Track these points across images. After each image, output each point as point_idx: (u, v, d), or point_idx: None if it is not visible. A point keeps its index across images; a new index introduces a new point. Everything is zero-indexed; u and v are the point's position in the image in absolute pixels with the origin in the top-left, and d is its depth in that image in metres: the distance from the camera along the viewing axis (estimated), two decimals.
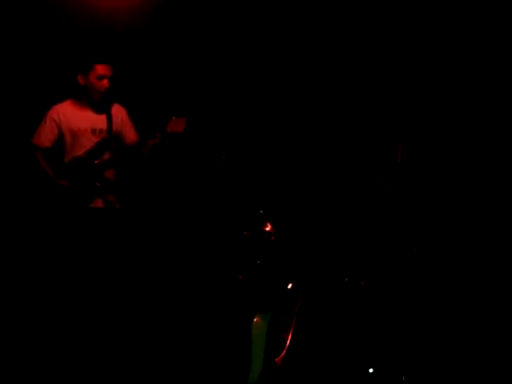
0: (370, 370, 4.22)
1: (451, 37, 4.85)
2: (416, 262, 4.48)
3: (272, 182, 4.84)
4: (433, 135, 4.83)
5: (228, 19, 5.16)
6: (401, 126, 4.87)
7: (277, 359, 4.00)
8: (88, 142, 4.55)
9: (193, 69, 5.25)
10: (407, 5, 4.93)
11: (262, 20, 5.15)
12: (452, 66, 4.86)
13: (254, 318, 4.13)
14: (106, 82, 4.45)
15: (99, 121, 4.55)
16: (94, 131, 4.55)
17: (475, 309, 4.40)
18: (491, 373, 4.04)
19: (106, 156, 4.59)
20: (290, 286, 4.45)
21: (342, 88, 5.13)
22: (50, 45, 5.04)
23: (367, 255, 4.51)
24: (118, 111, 4.64)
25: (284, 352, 4.01)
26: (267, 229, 4.47)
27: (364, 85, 5.07)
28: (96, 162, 4.58)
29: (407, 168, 4.66)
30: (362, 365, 4.22)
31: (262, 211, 4.48)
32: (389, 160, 4.68)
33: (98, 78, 4.43)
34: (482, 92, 4.77)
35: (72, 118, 4.53)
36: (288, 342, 4.03)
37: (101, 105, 4.54)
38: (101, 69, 4.44)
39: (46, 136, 4.54)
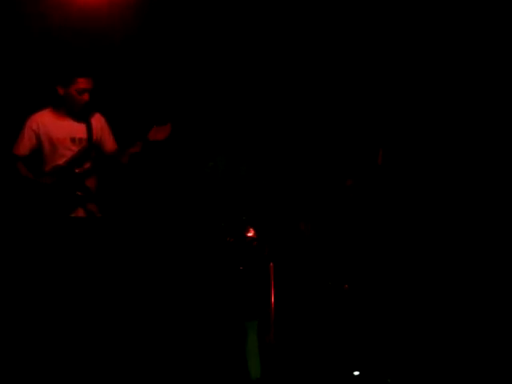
0: (356, 373, 4.24)
1: (430, 45, 4.91)
2: (398, 265, 4.52)
3: (254, 188, 4.84)
4: (413, 139, 4.88)
5: (210, 27, 5.18)
6: (382, 130, 4.91)
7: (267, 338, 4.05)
8: (67, 151, 4.53)
9: (176, 76, 5.26)
10: (386, 17, 4.99)
11: (244, 30, 5.18)
12: (432, 71, 4.91)
13: (242, 324, 4.15)
14: (86, 96, 4.45)
15: (79, 130, 4.53)
16: (73, 140, 4.53)
17: (458, 311, 4.44)
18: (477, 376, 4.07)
19: (87, 165, 4.57)
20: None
21: (323, 94, 5.16)
22: (30, 54, 5.02)
23: (350, 258, 4.54)
24: (98, 120, 4.63)
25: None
26: (250, 234, 4.48)
27: (346, 90, 5.11)
28: (77, 170, 4.55)
29: (388, 171, 4.71)
30: (347, 367, 4.24)
31: (244, 217, 4.49)
32: (370, 163, 4.72)
33: (79, 91, 4.43)
34: (462, 96, 4.83)
35: (51, 127, 4.51)
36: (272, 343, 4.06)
37: (80, 114, 4.52)
38: (82, 83, 4.43)
39: (24, 145, 4.51)
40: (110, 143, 4.68)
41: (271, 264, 4.20)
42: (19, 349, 4.31)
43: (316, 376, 4.22)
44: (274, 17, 5.15)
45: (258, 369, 4.13)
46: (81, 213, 4.56)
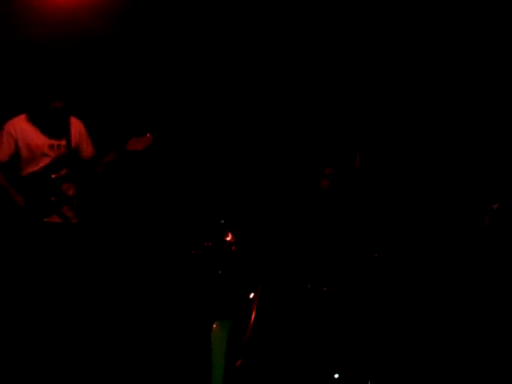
0: (336, 376, 4.22)
1: (405, 54, 4.98)
2: (376, 267, 4.53)
3: (232, 192, 4.85)
4: (390, 141, 4.93)
5: (187, 35, 5.21)
6: (359, 133, 4.95)
7: (236, 364, 3.99)
8: (45, 157, 4.51)
9: (158, 87, 5.28)
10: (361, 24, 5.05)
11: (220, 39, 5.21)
12: (409, 75, 4.97)
13: (213, 324, 4.11)
14: (60, 116, 4.46)
15: (57, 136, 4.52)
16: (51, 146, 4.52)
17: (437, 313, 4.45)
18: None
19: (63, 171, 4.55)
20: (251, 295, 4.45)
21: (301, 98, 5.19)
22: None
23: (328, 261, 4.54)
24: (77, 126, 4.62)
25: (242, 358, 4.01)
26: (228, 238, 4.47)
27: (324, 95, 5.15)
28: (52, 176, 4.52)
29: (365, 174, 4.74)
30: (327, 370, 4.22)
31: (222, 221, 4.49)
32: (347, 166, 4.75)
33: (54, 111, 4.44)
34: (439, 99, 4.89)
35: (29, 132, 4.49)
36: (246, 344, 4.03)
37: (59, 120, 4.50)
38: (55, 104, 4.44)
39: (3, 151, 4.47)
40: (87, 150, 4.67)
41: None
42: None
43: (294, 379, 4.19)
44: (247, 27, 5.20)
45: (221, 373, 4.08)
46: (56, 218, 4.53)
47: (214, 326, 4.13)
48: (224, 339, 4.09)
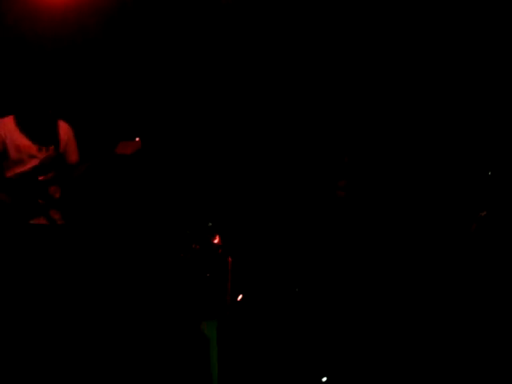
0: (324, 379, 4.20)
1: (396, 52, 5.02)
2: (367, 268, 4.54)
3: (220, 195, 4.85)
4: (378, 147, 4.96)
5: (175, 40, 5.24)
6: (347, 139, 4.98)
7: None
8: (33, 159, 4.49)
9: (146, 90, 5.30)
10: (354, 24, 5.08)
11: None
12: (396, 79, 5.01)
13: (199, 325, 4.10)
14: (47, 119, 4.47)
15: (46, 138, 4.51)
16: (40, 149, 4.51)
17: (424, 311, 4.45)
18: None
19: (51, 173, 4.54)
20: (239, 297, 4.43)
21: (290, 104, 5.22)
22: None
23: (317, 264, 4.54)
24: (65, 130, 4.62)
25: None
26: (215, 241, 4.46)
27: (312, 100, 5.18)
28: (40, 178, 4.51)
29: (354, 175, 4.76)
30: (315, 373, 4.20)
31: (210, 224, 4.48)
32: (337, 170, 4.77)
33: (42, 113, 4.46)
34: (426, 99, 4.93)
35: (18, 134, 4.48)
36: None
37: (48, 123, 4.51)
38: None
39: None
40: (73, 155, 4.67)
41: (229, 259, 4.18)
42: None
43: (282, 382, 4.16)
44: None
45: (216, 372, 4.06)
46: (42, 220, 4.50)
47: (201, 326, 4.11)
48: (214, 339, 4.08)
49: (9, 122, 4.51)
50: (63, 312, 4.47)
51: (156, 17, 5.18)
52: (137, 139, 4.56)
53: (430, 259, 4.64)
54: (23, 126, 4.49)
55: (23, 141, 4.47)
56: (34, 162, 4.48)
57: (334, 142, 4.96)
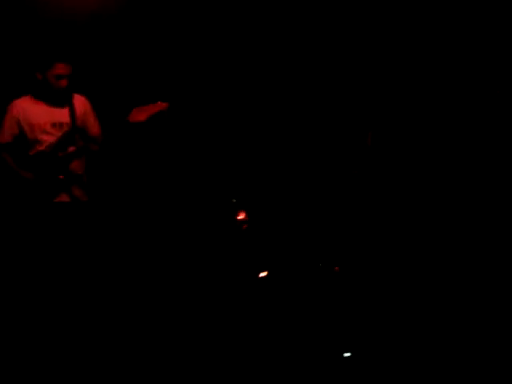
0: (346, 355, 4.26)
1: (420, 31, 4.93)
2: (388, 247, 4.56)
3: (245, 171, 4.82)
4: (402, 122, 4.91)
5: (197, 10, 5.11)
6: (371, 113, 4.93)
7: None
8: (49, 136, 4.45)
9: (162, 58, 5.19)
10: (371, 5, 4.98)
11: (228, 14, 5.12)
12: (421, 57, 4.93)
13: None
14: (64, 82, 4.36)
15: (60, 114, 4.46)
16: (53, 125, 4.45)
17: (446, 296, 4.49)
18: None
19: (71, 149, 4.48)
20: (263, 274, 4.47)
21: (312, 78, 5.14)
22: (8, 39, 4.92)
23: (341, 241, 4.55)
24: (82, 104, 4.54)
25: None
26: (240, 217, 4.46)
27: (334, 74, 5.10)
28: (60, 154, 4.47)
29: (378, 154, 4.73)
30: (337, 349, 4.27)
31: (234, 200, 4.47)
32: (359, 146, 4.73)
33: (57, 77, 4.34)
34: (452, 82, 4.87)
35: (31, 112, 4.43)
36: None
37: (61, 98, 4.44)
38: (60, 68, 4.33)
39: (6, 132, 4.44)
40: (94, 128, 4.59)
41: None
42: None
43: (307, 358, 4.23)
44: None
45: None
46: (65, 197, 4.48)
47: None
48: None
49: (24, 101, 4.47)
50: (86, 293, 4.50)
51: None
52: (159, 103, 4.44)
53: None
54: (37, 103, 4.45)
55: (37, 119, 4.43)
56: (51, 139, 4.44)
57: (358, 122, 4.91)
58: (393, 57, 4.99)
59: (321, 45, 5.12)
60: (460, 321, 4.35)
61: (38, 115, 4.42)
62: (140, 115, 4.41)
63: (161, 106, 4.39)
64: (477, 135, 4.78)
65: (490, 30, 4.82)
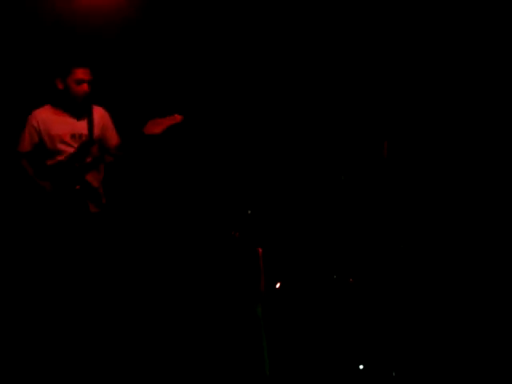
0: (361, 367, 4.24)
1: (433, 36, 4.89)
2: (403, 258, 4.52)
3: (260, 182, 4.82)
4: (418, 131, 4.87)
5: (211, 21, 5.14)
6: (387, 122, 4.90)
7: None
8: (68, 147, 4.50)
9: (176, 69, 5.22)
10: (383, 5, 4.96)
11: (243, 20, 5.14)
12: (435, 63, 4.89)
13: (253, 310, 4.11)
14: (85, 86, 4.40)
15: (79, 126, 4.50)
16: (73, 136, 4.50)
17: (463, 303, 4.44)
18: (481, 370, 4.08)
19: (88, 159, 4.54)
20: (277, 285, 4.46)
21: (327, 87, 5.13)
22: (27, 49, 4.98)
23: (355, 252, 4.53)
24: (101, 115, 4.59)
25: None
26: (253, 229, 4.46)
27: (350, 83, 5.08)
28: (77, 165, 4.52)
29: (393, 164, 4.69)
30: (352, 361, 4.24)
31: (249, 211, 4.46)
32: (375, 156, 4.70)
33: (77, 82, 4.38)
34: (464, 87, 4.82)
35: (51, 123, 4.48)
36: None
37: (81, 109, 4.49)
38: (80, 73, 4.37)
39: (26, 141, 4.50)
40: (113, 139, 4.64)
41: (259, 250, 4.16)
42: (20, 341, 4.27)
43: (321, 370, 4.21)
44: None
45: (267, 362, 4.09)
46: (81, 207, 4.52)
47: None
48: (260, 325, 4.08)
49: (44, 111, 4.51)
50: (101, 298, 4.54)
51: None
52: (175, 116, 4.45)
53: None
54: (57, 114, 4.49)
55: (57, 130, 4.47)
56: (70, 150, 4.49)
57: (373, 131, 4.88)
58: (409, 65, 4.95)
59: (337, 54, 5.09)
60: (476, 335, 4.30)
61: (58, 126, 4.47)
62: (155, 128, 4.44)
63: (176, 118, 4.42)
64: (497, 145, 4.72)
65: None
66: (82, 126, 4.49)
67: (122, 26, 5.03)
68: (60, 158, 4.48)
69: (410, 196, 4.72)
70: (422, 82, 4.93)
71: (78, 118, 4.50)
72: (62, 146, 4.48)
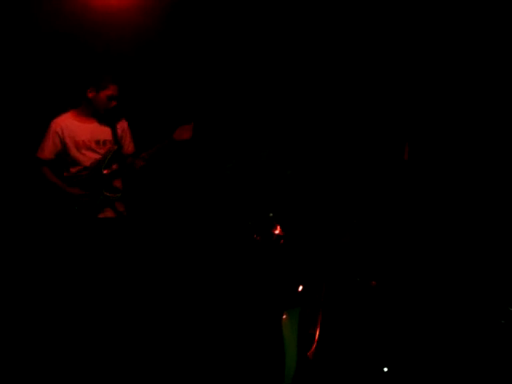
0: (385, 369, 4.21)
1: (454, 37, 4.85)
2: (425, 261, 4.48)
3: (281, 185, 4.84)
4: (439, 133, 4.83)
5: (227, 28, 5.19)
6: (408, 124, 4.87)
7: (309, 353, 3.99)
8: (93, 154, 4.58)
9: (196, 76, 5.29)
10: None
11: (262, 27, 5.17)
12: (457, 65, 4.85)
13: (283, 315, 4.10)
14: (114, 102, 4.51)
15: (103, 132, 4.58)
16: (97, 142, 4.58)
17: (482, 308, 4.38)
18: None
19: (115, 166, 4.62)
20: (300, 288, 4.46)
21: (348, 88, 5.13)
22: (51, 56, 5.08)
23: (377, 255, 4.51)
24: (121, 123, 4.68)
25: (314, 346, 3.99)
26: (277, 232, 4.48)
27: (371, 84, 5.07)
28: (104, 172, 4.60)
29: (414, 166, 4.67)
30: (376, 364, 4.22)
31: (271, 214, 4.50)
32: (396, 159, 4.68)
33: (109, 97, 4.48)
34: (486, 90, 4.76)
35: (75, 130, 4.55)
36: (317, 337, 4.01)
37: (105, 116, 4.57)
38: (113, 89, 4.48)
39: (49, 149, 4.56)
40: (129, 147, 4.74)
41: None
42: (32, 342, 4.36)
43: (346, 372, 4.20)
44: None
45: (294, 362, 4.06)
46: (109, 213, 4.61)
47: (284, 316, 4.13)
48: (295, 329, 4.07)
49: (67, 118, 4.58)
50: (129, 299, 4.61)
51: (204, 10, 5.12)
52: (191, 124, 4.53)
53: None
54: (81, 121, 4.57)
55: (82, 136, 4.55)
56: (95, 157, 4.57)
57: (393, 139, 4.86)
58: (432, 69, 4.92)
59: (359, 57, 5.09)
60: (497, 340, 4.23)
61: (82, 132, 4.54)
62: (185, 134, 4.54)
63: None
64: None
65: None
66: (105, 132, 4.57)
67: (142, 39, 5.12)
68: (85, 164, 4.56)
69: (430, 199, 4.68)
70: (444, 85, 4.88)
71: (102, 124, 4.58)
72: (87, 152, 4.56)
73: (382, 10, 4.98)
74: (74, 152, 4.56)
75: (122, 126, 4.68)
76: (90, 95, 4.49)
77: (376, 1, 4.97)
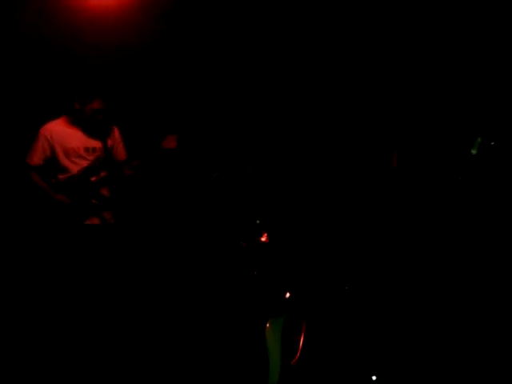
0: (373, 378, 4.17)
1: (447, 43, 4.89)
2: (413, 268, 4.47)
3: (268, 192, 4.84)
4: (427, 141, 4.84)
5: (216, 41, 5.22)
6: (396, 132, 4.89)
7: (292, 362, 3.96)
8: (82, 160, 4.58)
9: (183, 84, 5.31)
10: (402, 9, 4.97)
11: (254, 36, 5.21)
12: (448, 70, 4.88)
13: (266, 323, 4.08)
14: (100, 116, 4.54)
15: (93, 139, 4.59)
16: (87, 149, 4.59)
17: (475, 312, 4.36)
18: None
19: (103, 173, 4.62)
20: (287, 295, 4.44)
21: (338, 95, 5.15)
22: (42, 64, 5.07)
23: (366, 262, 4.50)
24: (111, 130, 4.68)
25: (298, 355, 3.97)
26: (263, 239, 4.46)
27: (360, 93, 5.09)
28: (92, 179, 4.60)
29: (403, 174, 4.68)
30: (364, 372, 4.18)
31: (258, 221, 4.48)
32: (385, 166, 4.70)
33: (94, 111, 4.51)
34: (475, 98, 4.79)
35: (65, 136, 4.56)
36: (301, 345, 3.99)
37: (95, 124, 4.57)
38: (97, 104, 4.51)
39: (38, 155, 4.55)
40: (121, 154, 4.74)
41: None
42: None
43: (330, 381, 4.16)
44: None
45: (278, 370, 4.04)
46: (95, 220, 4.61)
47: (268, 324, 4.11)
48: (279, 336, 4.06)
49: (57, 125, 4.60)
50: (116, 307, 4.58)
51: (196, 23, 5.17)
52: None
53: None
54: (71, 128, 4.58)
55: (71, 143, 4.56)
56: (83, 164, 4.57)
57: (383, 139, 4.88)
58: (421, 76, 4.95)
59: (348, 63, 5.11)
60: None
61: (72, 139, 4.55)
62: (171, 142, 4.57)
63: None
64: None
65: None
66: (95, 140, 4.57)
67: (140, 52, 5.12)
68: (73, 171, 4.55)
69: (418, 206, 4.68)
70: (433, 93, 4.91)
71: (91, 131, 4.58)
72: (76, 160, 4.56)
73: (369, 20, 5.03)
74: (62, 159, 4.56)
75: (113, 133, 4.69)
76: (77, 107, 4.52)
77: (367, 7, 5.01)
